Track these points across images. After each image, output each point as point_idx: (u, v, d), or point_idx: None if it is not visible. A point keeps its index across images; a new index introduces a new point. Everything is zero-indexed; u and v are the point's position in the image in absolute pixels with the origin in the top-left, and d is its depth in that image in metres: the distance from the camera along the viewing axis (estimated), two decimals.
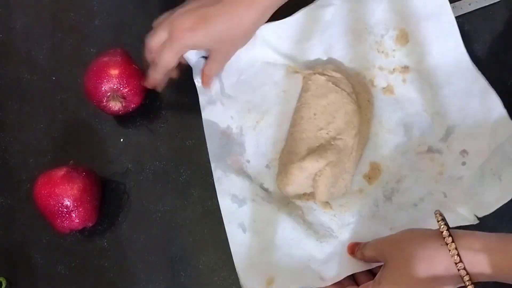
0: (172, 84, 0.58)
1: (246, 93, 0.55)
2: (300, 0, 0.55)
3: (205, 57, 0.54)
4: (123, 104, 0.54)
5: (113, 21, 0.62)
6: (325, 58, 0.56)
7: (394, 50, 0.53)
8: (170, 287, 0.51)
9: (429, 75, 0.52)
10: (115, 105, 0.53)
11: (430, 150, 0.51)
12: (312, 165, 0.50)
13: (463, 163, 0.49)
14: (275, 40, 0.55)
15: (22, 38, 0.63)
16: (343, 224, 0.50)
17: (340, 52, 0.55)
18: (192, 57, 0.56)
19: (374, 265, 0.47)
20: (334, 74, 0.53)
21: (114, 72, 0.52)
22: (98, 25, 0.62)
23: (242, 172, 0.53)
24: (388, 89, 0.53)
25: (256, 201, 0.51)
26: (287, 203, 0.52)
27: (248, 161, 0.54)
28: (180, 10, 0.50)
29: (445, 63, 0.51)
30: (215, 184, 0.52)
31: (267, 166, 0.53)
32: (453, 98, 0.51)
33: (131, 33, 0.61)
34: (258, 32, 0.54)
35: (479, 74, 0.50)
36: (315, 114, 0.51)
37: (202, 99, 0.55)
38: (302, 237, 0.50)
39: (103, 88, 0.52)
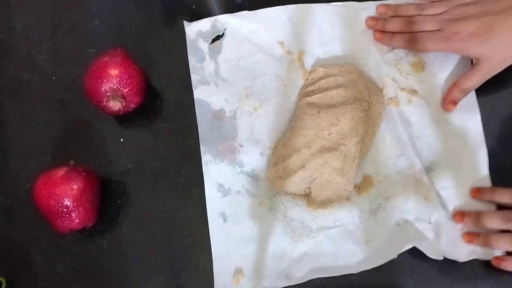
0: (172, 84, 0.58)
1: (245, 80, 0.55)
2: None
3: (215, 39, 0.56)
4: (123, 104, 0.54)
5: (113, 21, 0.62)
6: (342, 58, 0.56)
7: (408, 74, 0.54)
8: (170, 287, 0.51)
9: (433, 106, 0.52)
10: (115, 105, 0.53)
11: (420, 171, 0.50)
12: (316, 168, 0.50)
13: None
14: (285, 26, 0.56)
15: (22, 38, 0.63)
16: (323, 226, 0.50)
17: (360, 60, 0.55)
18: (191, 33, 0.56)
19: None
20: (350, 76, 0.53)
21: (114, 72, 0.52)
22: (98, 25, 0.62)
23: (233, 158, 0.53)
24: (395, 101, 0.53)
25: (240, 192, 0.52)
26: (273, 195, 0.52)
27: (241, 146, 0.54)
28: (458, 10, 0.49)
29: None
30: (202, 168, 0.53)
31: (261, 154, 0.53)
32: (447, 137, 0.51)
33: (131, 33, 0.61)
34: (266, 16, 0.56)
35: (480, 127, 0.51)
36: (319, 112, 0.51)
37: (194, 78, 0.55)
38: (279, 234, 0.50)
39: (103, 88, 0.52)
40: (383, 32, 0.54)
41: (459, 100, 0.51)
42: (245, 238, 0.51)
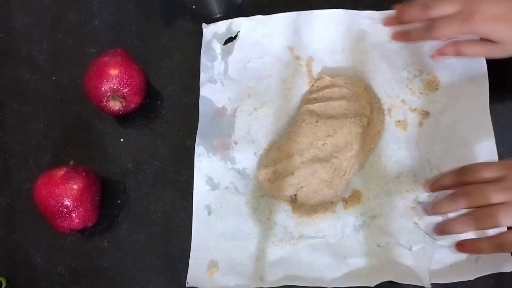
0: (172, 84, 0.58)
1: (250, 80, 0.56)
2: None
3: (228, 40, 0.57)
4: (123, 104, 0.54)
5: (113, 21, 0.62)
6: (351, 69, 0.55)
7: (421, 93, 0.53)
8: (170, 287, 0.51)
9: (446, 128, 0.51)
10: (115, 105, 0.53)
11: (415, 200, 0.49)
12: (304, 176, 0.50)
13: None
14: (297, 32, 0.56)
15: (22, 38, 0.63)
16: (304, 235, 0.50)
17: (369, 73, 0.54)
18: (208, 35, 0.58)
19: None
20: (356, 89, 0.52)
21: (114, 72, 0.52)
22: (98, 25, 0.62)
23: (226, 154, 0.53)
24: (403, 124, 0.52)
25: (228, 188, 0.52)
26: (260, 196, 0.52)
27: (236, 143, 0.54)
28: None
29: (466, 123, 0.50)
30: (194, 160, 0.53)
31: (254, 153, 0.53)
32: (460, 159, 0.49)
33: (131, 33, 0.61)
34: (280, 21, 0.56)
35: (494, 147, 0.49)
36: (317, 121, 0.51)
37: (203, 76, 0.56)
38: (260, 235, 0.50)
39: (103, 88, 0.52)
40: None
41: (448, 56, 0.49)
42: (226, 234, 0.51)
